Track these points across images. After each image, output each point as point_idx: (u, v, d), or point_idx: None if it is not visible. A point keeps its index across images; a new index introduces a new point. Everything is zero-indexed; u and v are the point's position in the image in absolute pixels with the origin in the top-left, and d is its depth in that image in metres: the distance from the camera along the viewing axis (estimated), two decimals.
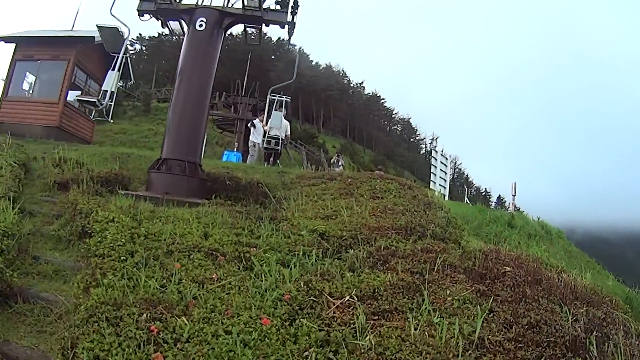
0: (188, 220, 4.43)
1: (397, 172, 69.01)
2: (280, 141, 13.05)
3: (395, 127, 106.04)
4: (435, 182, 16.48)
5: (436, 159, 16.98)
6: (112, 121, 13.29)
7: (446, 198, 16.24)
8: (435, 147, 19.70)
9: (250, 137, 13.34)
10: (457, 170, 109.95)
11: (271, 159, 13.28)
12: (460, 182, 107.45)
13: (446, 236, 4.75)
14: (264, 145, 12.85)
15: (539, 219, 14.60)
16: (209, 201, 5.94)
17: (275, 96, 14.94)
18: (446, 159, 17.52)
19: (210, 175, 6.73)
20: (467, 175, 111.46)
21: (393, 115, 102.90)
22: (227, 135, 28.84)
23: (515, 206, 22.68)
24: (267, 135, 12.81)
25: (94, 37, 11.93)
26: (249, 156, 13.20)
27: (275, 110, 14.02)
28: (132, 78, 14.59)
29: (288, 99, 15.66)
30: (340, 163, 16.99)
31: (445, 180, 17.22)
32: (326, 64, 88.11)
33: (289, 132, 14.20)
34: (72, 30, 13.48)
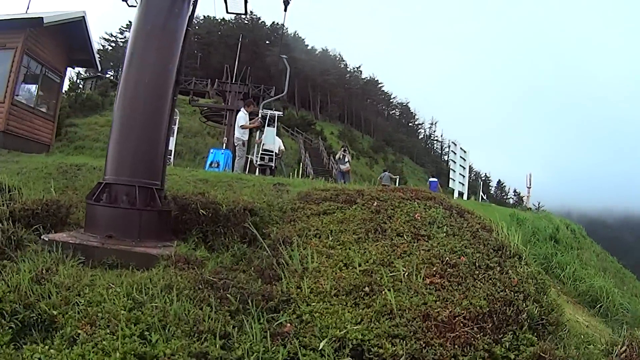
0: (115, 319, 2.47)
1: (397, 158, 67.44)
2: (274, 156, 12.63)
3: (394, 111, 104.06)
4: (454, 180, 14.54)
5: (455, 153, 15.00)
6: None
7: (465, 197, 14.37)
8: (453, 141, 17.31)
9: (236, 134, 11.40)
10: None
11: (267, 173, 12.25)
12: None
13: (543, 320, 2.97)
14: (258, 161, 12.41)
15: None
16: (170, 246, 4.00)
17: (267, 112, 15.00)
18: (465, 152, 15.52)
19: (178, 200, 4.70)
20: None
21: (391, 100, 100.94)
22: (217, 126, 26.36)
23: (531, 204, 20.91)
24: (260, 149, 12.52)
25: (42, 17, 9.79)
26: (236, 158, 11.36)
27: (269, 126, 14.04)
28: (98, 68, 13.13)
29: (280, 114, 15.63)
30: (346, 159, 15.00)
31: (464, 177, 15.27)
32: (322, 48, 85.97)
33: (282, 148, 13.60)
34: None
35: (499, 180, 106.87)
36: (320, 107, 75.21)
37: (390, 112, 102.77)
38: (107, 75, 67.61)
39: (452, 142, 15.09)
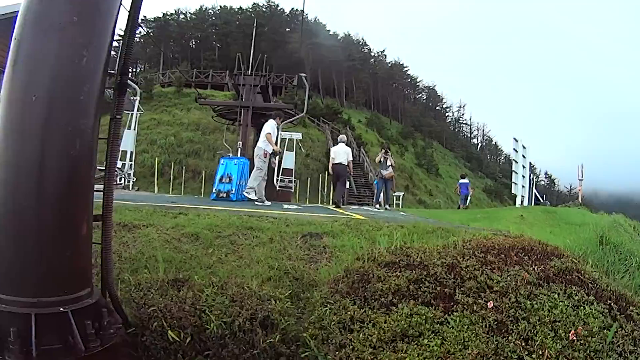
0: None
1: (426, 144, 64.40)
2: (293, 180, 12.57)
3: (420, 95, 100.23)
4: (517, 184, 12.07)
5: (517, 151, 12.49)
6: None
7: (525, 202, 11.93)
8: (515, 138, 14.85)
9: (259, 143, 9.39)
10: (485, 138, 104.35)
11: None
12: (489, 150, 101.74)
13: None
14: (278, 183, 12.13)
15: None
16: None
17: (287, 135, 15.43)
18: (525, 148, 12.97)
19: (134, 308, 2.57)
20: (495, 144, 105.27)
21: (417, 84, 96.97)
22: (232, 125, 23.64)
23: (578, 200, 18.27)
24: (280, 171, 12.74)
25: None
26: (254, 172, 9.28)
27: (287, 150, 14.35)
28: None
29: (300, 137, 16.45)
30: (388, 163, 12.70)
31: (524, 177, 12.74)
32: (344, 33, 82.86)
33: (350, 158, 11.69)
34: None
35: (530, 162, 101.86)
36: (345, 95, 72.46)
37: (417, 97, 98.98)
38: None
39: (514, 139, 12.59)
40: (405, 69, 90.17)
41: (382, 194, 13.10)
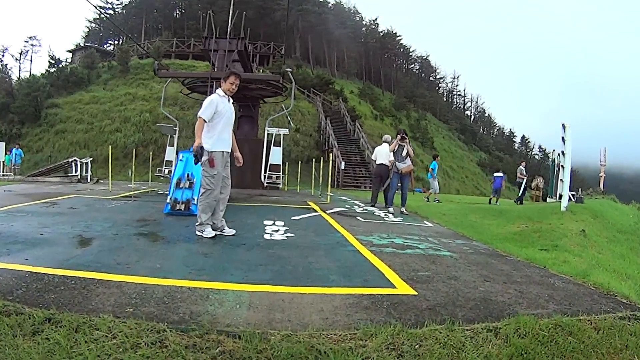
0: None
1: (420, 115, 61.56)
2: (281, 175, 13.06)
3: (413, 65, 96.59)
4: (565, 181, 9.24)
5: (565, 141, 9.60)
6: None
7: (565, 202, 9.36)
8: (563, 123, 12.44)
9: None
10: (479, 110, 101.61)
11: None
12: (482, 122, 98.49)
13: None
14: (266, 180, 12.47)
15: None
16: None
17: (274, 130, 15.46)
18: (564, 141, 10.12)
19: None
20: (489, 116, 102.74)
21: (410, 54, 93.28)
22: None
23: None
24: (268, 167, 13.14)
25: None
26: (202, 194, 5.71)
27: (274, 146, 15.09)
28: None
29: (286, 132, 16.01)
30: (405, 152, 10.07)
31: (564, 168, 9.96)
32: (336, 0, 78.90)
33: (392, 158, 10.52)
34: None
35: (523, 135, 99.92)
36: (336, 65, 69.01)
37: (410, 67, 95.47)
38: (108, 46, 62.51)
39: (562, 125, 9.79)
40: (399, 38, 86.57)
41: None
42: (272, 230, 6.33)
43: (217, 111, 5.51)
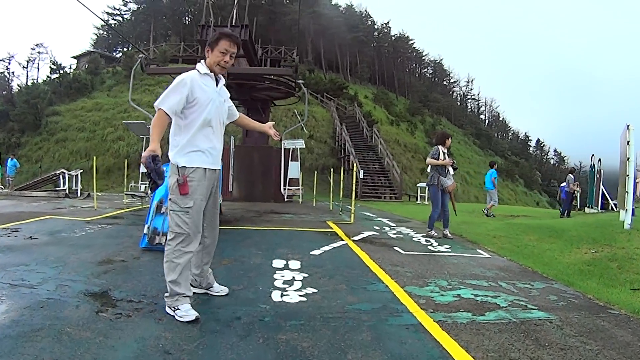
0: None
1: (435, 120, 59.54)
2: (300, 188, 14.11)
3: (426, 69, 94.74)
4: (629, 193, 7.35)
5: (629, 145, 7.65)
6: None
7: (629, 219, 7.48)
8: (628, 125, 10.51)
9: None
10: (493, 114, 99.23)
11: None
12: (497, 126, 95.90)
13: None
14: (286, 193, 13.12)
15: None
16: None
17: (290, 144, 15.36)
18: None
19: None
20: (504, 120, 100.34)
21: (423, 57, 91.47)
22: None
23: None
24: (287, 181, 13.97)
25: None
26: (168, 247, 3.20)
27: (292, 160, 15.02)
28: None
29: (302, 145, 15.69)
30: (449, 168, 8.21)
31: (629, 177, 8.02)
32: (347, 4, 77.31)
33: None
34: None
35: (538, 139, 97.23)
36: (349, 69, 67.29)
37: (423, 71, 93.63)
38: (117, 53, 61.46)
39: (627, 126, 7.86)
40: (411, 41, 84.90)
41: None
42: (285, 282, 4.25)
43: (195, 98, 3.20)
